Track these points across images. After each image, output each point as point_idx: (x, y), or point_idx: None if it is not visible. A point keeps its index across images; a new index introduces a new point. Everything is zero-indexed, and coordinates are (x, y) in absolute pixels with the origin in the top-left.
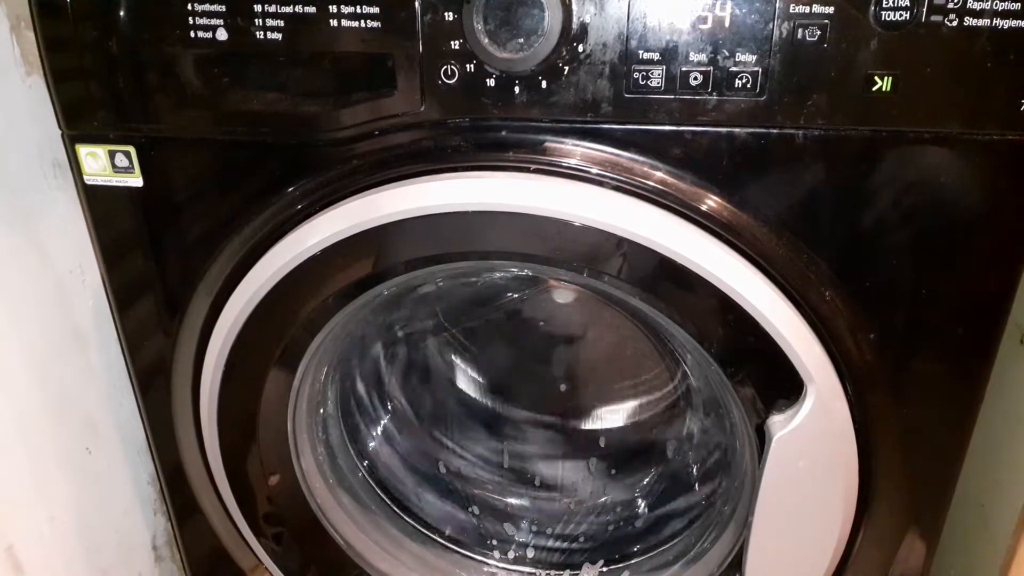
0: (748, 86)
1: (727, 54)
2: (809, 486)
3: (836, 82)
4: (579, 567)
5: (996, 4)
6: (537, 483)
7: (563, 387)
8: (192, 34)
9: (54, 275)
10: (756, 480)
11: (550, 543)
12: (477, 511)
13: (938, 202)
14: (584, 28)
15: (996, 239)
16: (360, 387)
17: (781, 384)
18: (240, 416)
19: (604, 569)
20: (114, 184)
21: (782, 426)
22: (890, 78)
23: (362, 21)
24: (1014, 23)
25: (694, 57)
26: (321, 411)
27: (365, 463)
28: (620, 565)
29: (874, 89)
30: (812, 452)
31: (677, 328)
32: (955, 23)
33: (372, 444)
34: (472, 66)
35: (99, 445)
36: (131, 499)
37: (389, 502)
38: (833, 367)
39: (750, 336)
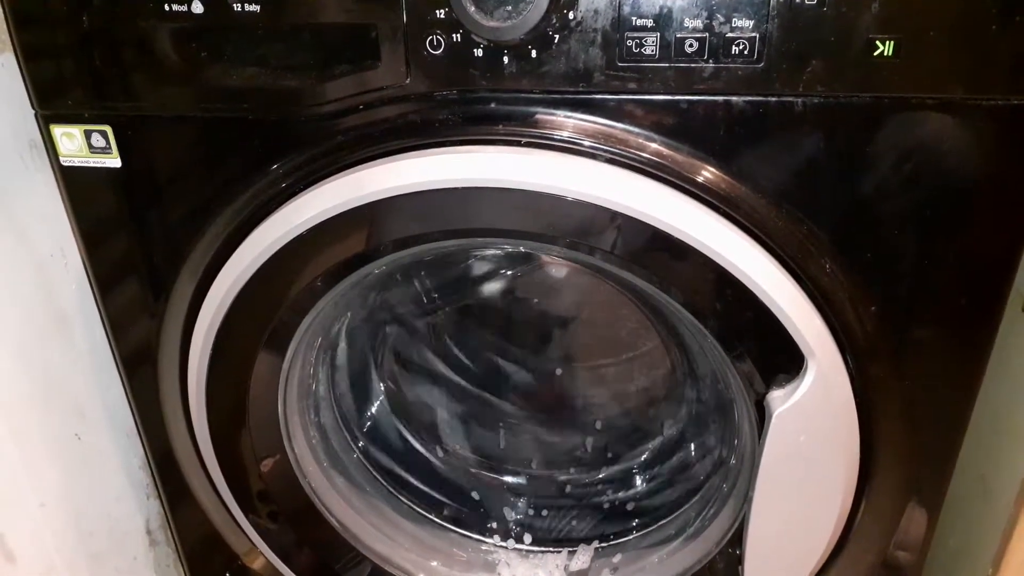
0: (745, 52)
1: (723, 19)
2: (810, 461)
3: (836, 47)
4: (576, 544)
5: None
6: (534, 462)
7: (559, 365)
8: (167, 7)
9: (35, 259)
10: (756, 456)
11: (547, 522)
12: (474, 492)
13: (941, 170)
14: None
15: (999, 206)
16: (352, 368)
17: (781, 359)
18: (229, 400)
19: (600, 546)
20: (91, 165)
21: (782, 401)
22: (892, 42)
23: None
24: None
25: (689, 23)
26: (313, 393)
27: (360, 444)
28: (616, 542)
29: (875, 54)
30: (813, 427)
31: (674, 303)
32: None
33: (366, 425)
34: (459, 36)
35: (88, 430)
36: (123, 484)
37: (385, 483)
38: (834, 340)
39: (749, 311)
